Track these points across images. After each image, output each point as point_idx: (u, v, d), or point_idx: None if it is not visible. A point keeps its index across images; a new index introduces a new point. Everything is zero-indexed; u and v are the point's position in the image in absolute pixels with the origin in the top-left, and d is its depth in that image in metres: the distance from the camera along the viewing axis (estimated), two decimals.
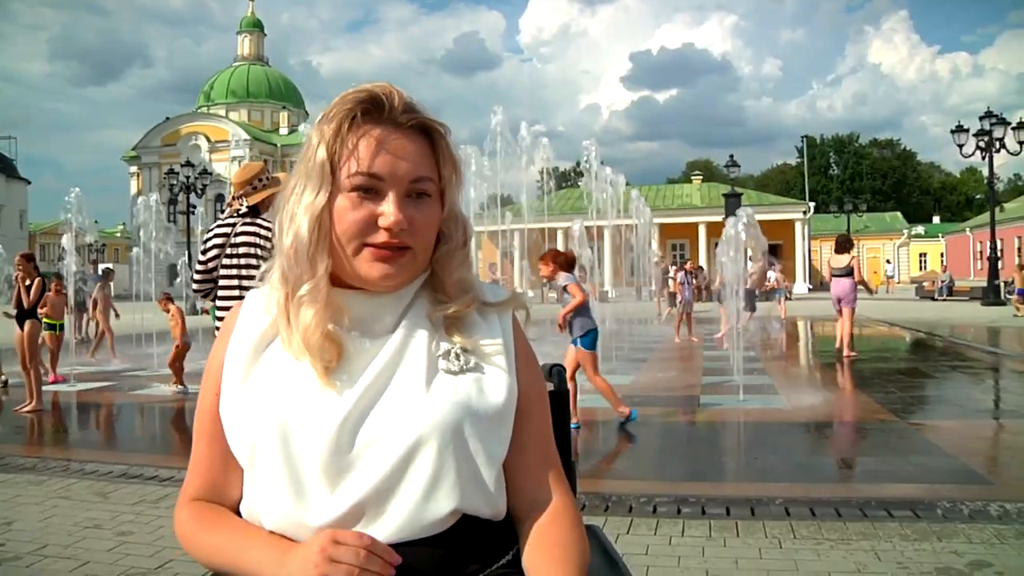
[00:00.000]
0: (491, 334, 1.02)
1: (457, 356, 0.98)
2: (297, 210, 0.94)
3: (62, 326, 9.36)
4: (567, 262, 6.06)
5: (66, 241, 10.63)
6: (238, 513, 0.99)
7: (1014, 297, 19.77)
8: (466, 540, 0.94)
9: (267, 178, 3.89)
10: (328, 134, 0.94)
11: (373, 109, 0.95)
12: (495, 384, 0.98)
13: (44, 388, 8.76)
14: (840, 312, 10.31)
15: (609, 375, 8.92)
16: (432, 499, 0.91)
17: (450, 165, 0.99)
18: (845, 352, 10.05)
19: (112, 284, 13.36)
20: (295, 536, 0.91)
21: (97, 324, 12.48)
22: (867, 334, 15.06)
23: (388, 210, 0.92)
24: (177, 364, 8.40)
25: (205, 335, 10.81)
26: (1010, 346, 12.47)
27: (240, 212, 3.82)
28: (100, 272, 16.90)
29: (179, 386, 8.34)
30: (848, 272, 10.17)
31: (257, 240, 3.71)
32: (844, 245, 10.53)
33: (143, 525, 3.64)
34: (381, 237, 0.93)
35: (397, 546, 0.89)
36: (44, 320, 9.15)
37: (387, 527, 0.90)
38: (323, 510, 0.90)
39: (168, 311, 8.93)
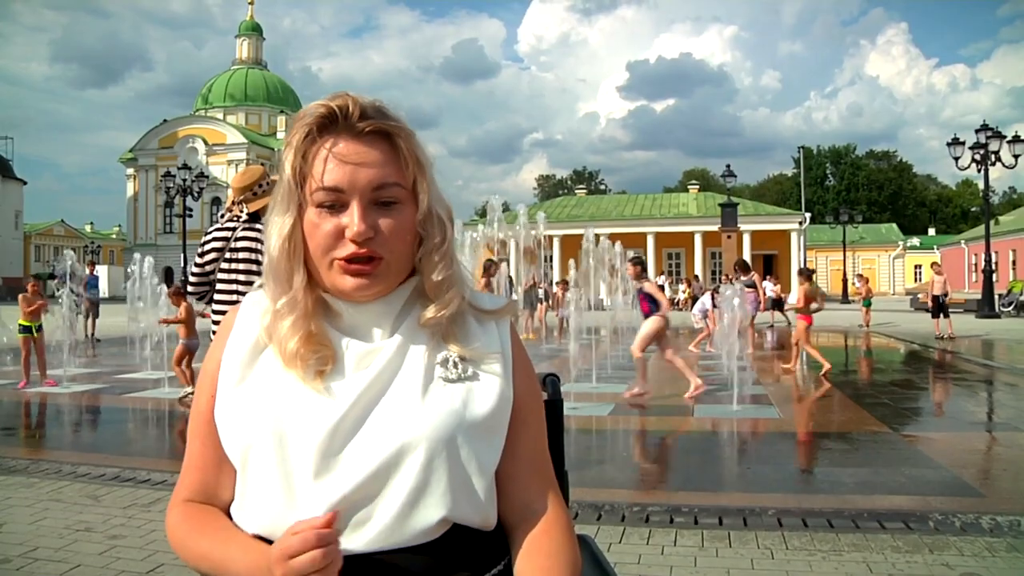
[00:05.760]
0: (489, 342, 1.02)
1: (455, 364, 0.98)
2: (272, 231, 0.97)
3: (39, 327, 9.22)
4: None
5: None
6: (230, 515, 0.99)
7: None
8: (456, 549, 0.94)
9: (268, 183, 3.88)
10: (290, 154, 0.96)
11: (329, 123, 0.95)
12: (491, 393, 0.98)
13: (36, 390, 8.78)
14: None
15: (607, 382, 8.98)
16: (421, 507, 0.91)
17: (414, 166, 0.97)
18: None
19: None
20: None
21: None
22: (860, 345, 15.08)
23: (350, 221, 0.93)
24: (180, 365, 8.35)
25: (202, 338, 10.74)
26: (1004, 358, 12.51)
27: (241, 219, 3.81)
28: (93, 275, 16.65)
29: (188, 387, 8.21)
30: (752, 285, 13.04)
31: (258, 247, 3.70)
32: (746, 266, 13.52)
33: (134, 528, 3.64)
34: (348, 249, 0.93)
35: (385, 553, 0.89)
36: (19, 323, 9.14)
37: (374, 533, 0.90)
38: (312, 514, 0.89)
39: (179, 306, 8.79)
